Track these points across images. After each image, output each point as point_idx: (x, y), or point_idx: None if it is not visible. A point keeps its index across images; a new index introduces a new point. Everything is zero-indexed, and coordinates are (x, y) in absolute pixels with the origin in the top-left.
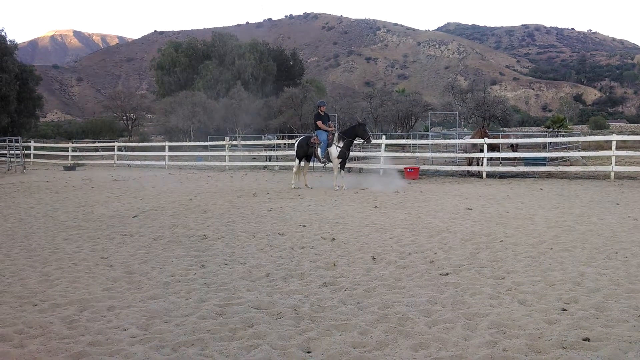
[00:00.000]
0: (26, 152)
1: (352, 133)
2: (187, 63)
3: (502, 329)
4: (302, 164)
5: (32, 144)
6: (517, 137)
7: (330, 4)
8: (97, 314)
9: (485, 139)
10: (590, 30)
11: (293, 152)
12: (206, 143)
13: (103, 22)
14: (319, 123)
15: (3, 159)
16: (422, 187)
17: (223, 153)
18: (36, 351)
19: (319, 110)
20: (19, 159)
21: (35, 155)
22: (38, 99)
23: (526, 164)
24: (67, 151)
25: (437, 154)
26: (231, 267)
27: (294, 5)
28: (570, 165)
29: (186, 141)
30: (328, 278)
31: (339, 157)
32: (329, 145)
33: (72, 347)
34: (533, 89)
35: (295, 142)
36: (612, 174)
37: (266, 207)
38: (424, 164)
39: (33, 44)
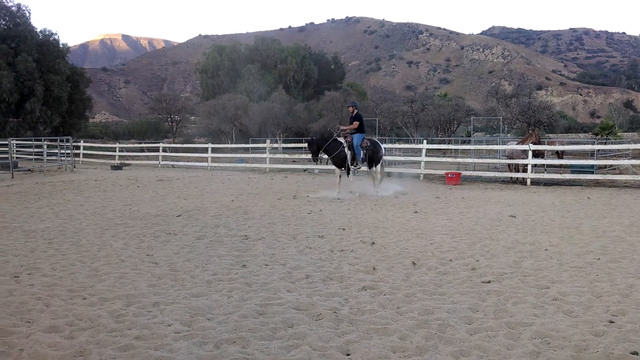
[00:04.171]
0: (76, 151)
1: None
2: (230, 66)
3: (546, 340)
4: (366, 168)
5: (82, 143)
6: (562, 144)
7: (372, 8)
8: (142, 309)
9: (530, 145)
10: None
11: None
12: (247, 145)
13: (150, 26)
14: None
15: (54, 157)
16: (463, 193)
17: (264, 155)
18: (85, 343)
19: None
20: (69, 158)
21: (84, 155)
22: (88, 100)
23: (573, 172)
24: (115, 151)
25: (480, 160)
26: (272, 268)
27: (336, 10)
28: (620, 173)
29: (228, 143)
30: (367, 282)
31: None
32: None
33: (120, 340)
34: (581, 95)
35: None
36: None
37: (306, 209)
38: (466, 170)
39: (84, 47)
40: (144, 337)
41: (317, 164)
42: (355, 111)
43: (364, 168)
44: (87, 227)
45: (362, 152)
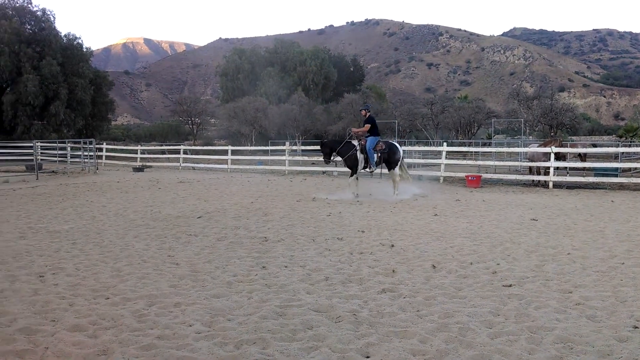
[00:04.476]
0: (99, 153)
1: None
2: (250, 69)
3: (568, 344)
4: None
5: (104, 145)
6: (585, 146)
7: (392, 10)
8: (164, 309)
9: (552, 147)
10: None
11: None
12: (267, 147)
13: (172, 30)
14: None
15: (78, 159)
16: (484, 196)
17: (283, 158)
18: (108, 342)
19: None
20: (92, 160)
21: (107, 157)
22: (110, 103)
23: (596, 175)
24: (136, 153)
25: (501, 163)
26: (291, 270)
27: (356, 12)
28: None
29: (248, 145)
30: (387, 284)
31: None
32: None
33: (142, 339)
34: (604, 97)
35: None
36: None
37: (325, 211)
38: (487, 172)
39: (107, 50)
40: (166, 337)
41: (335, 166)
42: (368, 114)
43: (378, 171)
44: (109, 228)
45: (375, 155)
